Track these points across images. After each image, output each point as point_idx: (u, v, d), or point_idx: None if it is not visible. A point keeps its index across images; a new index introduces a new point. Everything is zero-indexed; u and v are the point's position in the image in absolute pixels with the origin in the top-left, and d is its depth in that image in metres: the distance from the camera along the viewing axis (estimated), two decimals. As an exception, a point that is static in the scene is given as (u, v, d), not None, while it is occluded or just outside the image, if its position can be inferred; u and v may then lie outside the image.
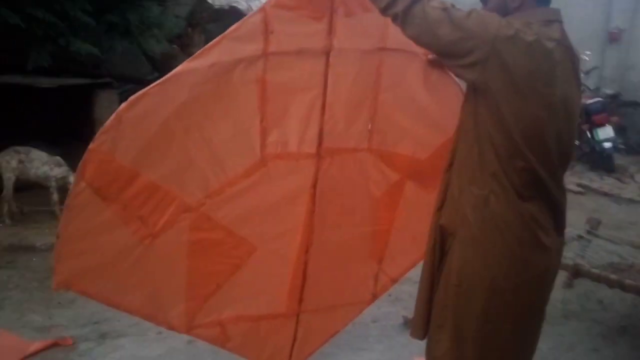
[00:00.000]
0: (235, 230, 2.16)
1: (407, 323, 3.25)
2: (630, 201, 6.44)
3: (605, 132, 7.31)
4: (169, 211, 2.00)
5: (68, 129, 6.13)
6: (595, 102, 7.51)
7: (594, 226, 3.97)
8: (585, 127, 7.55)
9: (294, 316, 2.48)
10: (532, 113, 1.67)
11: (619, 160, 7.97)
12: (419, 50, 2.21)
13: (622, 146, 7.68)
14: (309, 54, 2.06)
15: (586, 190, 6.85)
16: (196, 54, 1.92)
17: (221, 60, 1.91)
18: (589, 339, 3.37)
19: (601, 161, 7.53)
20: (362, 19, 2.10)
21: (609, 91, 8.88)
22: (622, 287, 3.04)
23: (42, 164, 5.11)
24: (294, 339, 2.53)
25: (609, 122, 7.38)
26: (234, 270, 2.23)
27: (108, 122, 1.84)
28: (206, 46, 1.91)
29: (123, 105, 1.85)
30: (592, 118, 7.37)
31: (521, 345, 1.92)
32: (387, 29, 2.13)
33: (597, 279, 3.20)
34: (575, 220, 4.39)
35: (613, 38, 9.29)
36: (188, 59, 1.91)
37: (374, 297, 2.66)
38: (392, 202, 2.44)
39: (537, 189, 1.75)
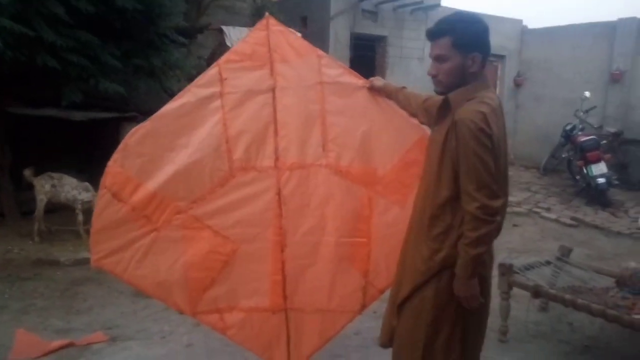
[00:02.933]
0: (220, 230, 2.69)
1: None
2: (619, 234, 6.64)
3: (599, 169, 7.57)
4: (166, 212, 2.62)
5: (97, 157, 6.75)
6: (588, 140, 7.82)
7: (564, 254, 4.25)
8: (580, 163, 7.84)
9: (281, 312, 2.83)
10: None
11: (619, 196, 8.19)
12: (357, 81, 2.82)
13: (616, 182, 7.87)
14: (257, 91, 2.72)
15: (579, 223, 7.08)
16: (174, 97, 2.64)
17: (190, 101, 2.63)
18: (552, 356, 3.60)
19: (596, 196, 7.77)
20: (297, 63, 2.77)
21: (611, 129, 9.15)
22: (575, 306, 3.34)
23: (72, 188, 5.70)
24: (288, 337, 2.87)
25: (603, 159, 7.64)
26: (223, 266, 2.73)
27: (119, 145, 2.57)
28: (180, 92, 2.64)
29: (128, 134, 2.58)
30: (586, 155, 7.68)
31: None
32: (321, 68, 2.77)
33: (554, 298, 3.51)
34: (556, 249, 4.70)
35: (615, 79, 9.61)
36: (170, 101, 2.65)
37: (363, 307, 2.96)
38: (364, 215, 2.82)
39: None
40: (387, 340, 2.40)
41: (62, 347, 3.47)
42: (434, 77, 2.17)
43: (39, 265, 5.10)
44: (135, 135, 2.57)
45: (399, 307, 2.31)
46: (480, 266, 2.12)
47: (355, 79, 2.85)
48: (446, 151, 2.09)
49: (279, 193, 2.73)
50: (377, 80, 2.81)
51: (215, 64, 2.72)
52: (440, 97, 2.26)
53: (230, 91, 2.68)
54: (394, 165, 2.80)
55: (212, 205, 2.68)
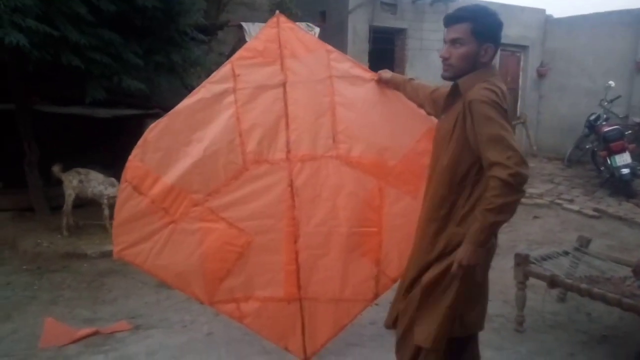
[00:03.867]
0: (234, 222, 2.79)
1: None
2: (643, 225, 6.53)
3: (623, 159, 7.44)
4: (183, 204, 2.73)
5: (122, 153, 6.93)
6: (612, 130, 7.69)
7: (583, 244, 4.23)
8: (603, 153, 7.71)
9: (295, 301, 2.92)
10: None
11: (644, 186, 8.05)
12: (366, 74, 2.89)
13: (640, 172, 7.72)
14: (269, 86, 2.80)
15: (601, 214, 6.98)
16: (190, 94, 2.73)
17: (205, 97, 2.72)
18: (568, 346, 3.60)
19: (620, 187, 7.64)
20: (307, 58, 2.84)
21: (637, 119, 8.99)
22: (590, 295, 3.33)
23: (99, 183, 5.88)
24: (303, 326, 2.96)
25: (627, 149, 7.50)
26: (238, 257, 2.83)
27: (139, 141, 2.68)
28: (196, 89, 2.73)
29: (147, 130, 2.67)
30: (609, 145, 7.55)
31: None
32: (330, 62, 2.85)
33: (570, 288, 3.50)
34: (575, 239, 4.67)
35: (640, 68, 9.39)
36: (186, 97, 2.72)
37: (376, 295, 3.05)
38: (375, 205, 2.89)
39: None
40: (391, 322, 2.49)
41: (88, 335, 3.60)
42: (445, 60, 2.21)
43: (67, 258, 5.28)
44: (153, 131, 2.69)
45: (407, 289, 2.37)
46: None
47: (363, 72, 2.92)
48: (455, 135, 2.15)
49: (291, 185, 2.81)
50: (385, 73, 2.87)
51: (228, 61, 2.83)
52: (448, 88, 2.31)
53: (243, 87, 2.77)
54: (405, 156, 2.86)
55: (227, 198, 2.77)
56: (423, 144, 2.81)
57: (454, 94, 2.23)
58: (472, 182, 2.15)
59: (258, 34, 2.93)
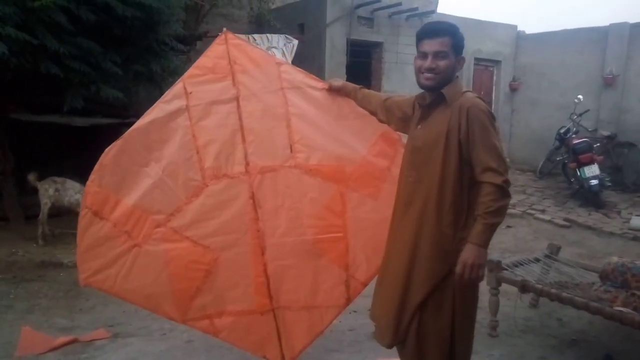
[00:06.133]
0: (198, 240, 2.77)
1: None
2: (611, 234, 6.76)
3: (591, 170, 7.67)
4: (145, 226, 2.69)
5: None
6: (581, 142, 7.94)
7: (553, 251, 4.37)
8: (572, 165, 7.95)
9: (268, 312, 2.92)
10: None
11: (613, 197, 8.31)
12: (317, 84, 2.96)
13: (609, 183, 7.99)
14: (222, 101, 2.82)
15: (572, 224, 7.20)
16: (143, 115, 2.72)
17: (158, 116, 2.70)
18: (539, 349, 3.70)
19: (589, 198, 7.88)
20: (257, 73, 2.88)
21: (605, 132, 9.27)
22: (560, 299, 3.46)
23: (75, 192, 5.84)
24: (279, 334, 2.96)
25: (595, 161, 7.74)
26: (206, 275, 2.81)
27: (95, 166, 2.63)
28: (149, 110, 2.73)
29: (103, 154, 2.65)
30: (578, 157, 7.79)
31: None
32: (281, 74, 2.90)
33: (540, 293, 3.63)
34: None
35: (608, 83, 9.72)
36: (140, 118, 2.72)
37: (349, 300, 3.04)
38: (338, 211, 2.93)
39: None
40: (395, 340, 2.43)
41: (66, 344, 3.58)
42: (432, 70, 2.24)
43: (43, 267, 5.24)
44: (109, 154, 2.65)
45: (419, 305, 2.33)
46: None
47: (315, 82, 2.97)
48: (450, 141, 2.20)
49: (252, 197, 2.83)
50: (336, 81, 2.95)
51: (180, 79, 2.83)
52: (404, 98, 2.50)
53: (195, 103, 2.76)
54: (362, 159, 2.92)
55: (189, 216, 2.76)
56: (379, 147, 2.91)
57: (437, 102, 2.30)
58: (469, 185, 2.23)
59: (206, 52, 2.93)
